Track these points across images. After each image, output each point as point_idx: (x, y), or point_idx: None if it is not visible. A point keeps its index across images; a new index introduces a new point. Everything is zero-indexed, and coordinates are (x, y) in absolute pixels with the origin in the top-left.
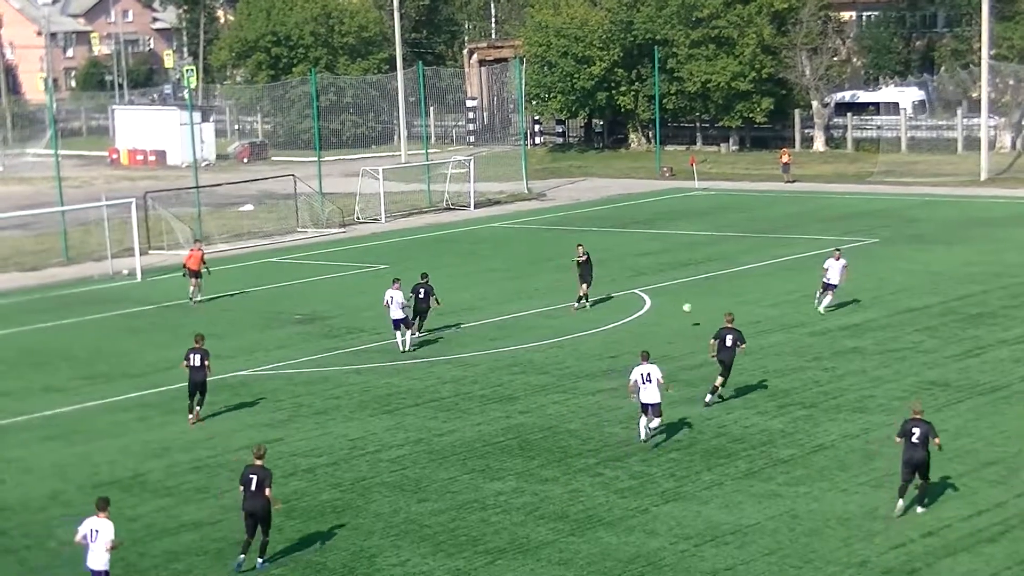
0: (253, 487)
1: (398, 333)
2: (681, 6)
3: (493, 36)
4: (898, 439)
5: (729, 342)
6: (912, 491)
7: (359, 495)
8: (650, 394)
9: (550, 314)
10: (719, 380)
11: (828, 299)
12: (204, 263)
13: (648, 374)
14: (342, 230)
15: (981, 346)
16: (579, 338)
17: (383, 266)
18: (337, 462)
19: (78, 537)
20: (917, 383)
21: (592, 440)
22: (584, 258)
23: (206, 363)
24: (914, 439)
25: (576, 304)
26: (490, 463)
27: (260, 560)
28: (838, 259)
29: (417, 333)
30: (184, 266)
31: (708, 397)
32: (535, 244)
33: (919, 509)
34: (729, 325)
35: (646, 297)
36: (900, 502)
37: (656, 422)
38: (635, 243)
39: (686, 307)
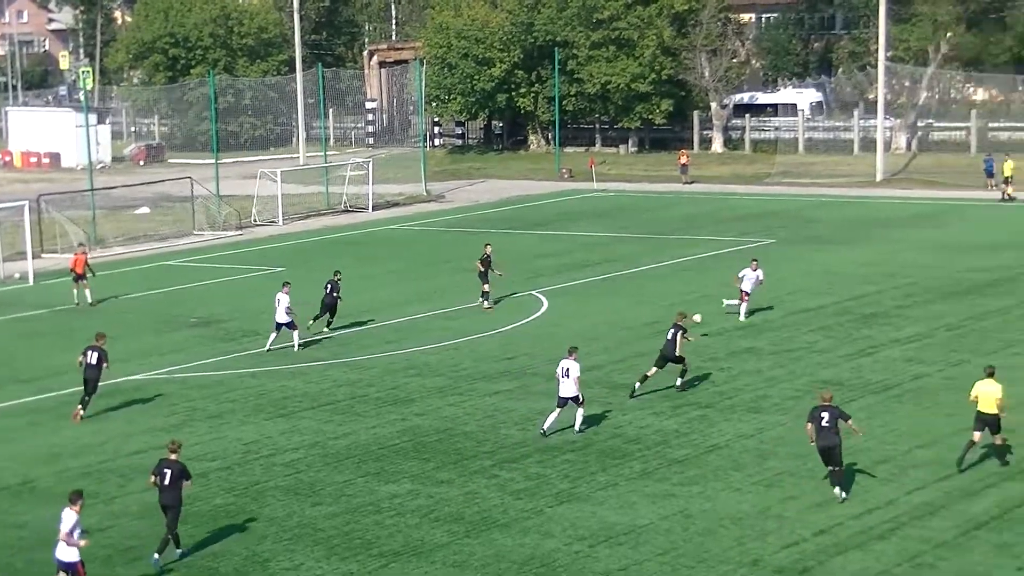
0: (167, 480)
1: (273, 335)
2: (582, 7)
3: (393, 38)
4: (808, 425)
5: (670, 336)
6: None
7: (253, 499)
8: (567, 388)
9: (448, 316)
10: (652, 370)
11: (742, 306)
12: (88, 266)
13: (567, 369)
14: (239, 232)
15: (874, 345)
16: (476, 340)
17: (280, 268)
18: (231, 466)
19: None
20: (811, 383)
21: (488, 442)
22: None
23: (104, 363)
24: (823, 423)
25: (487, 303)
26: (385, 466)
27: (156, 555)
28: (755, 269)
29: (311, 323)
30: (71, 270)
31: (637, 385)
32: (434, 246)
33: (838, 491)
34: (677, 321)
35: (544, 299)
36: (836, 490)
37: (580, 412)
38: (534, 244)
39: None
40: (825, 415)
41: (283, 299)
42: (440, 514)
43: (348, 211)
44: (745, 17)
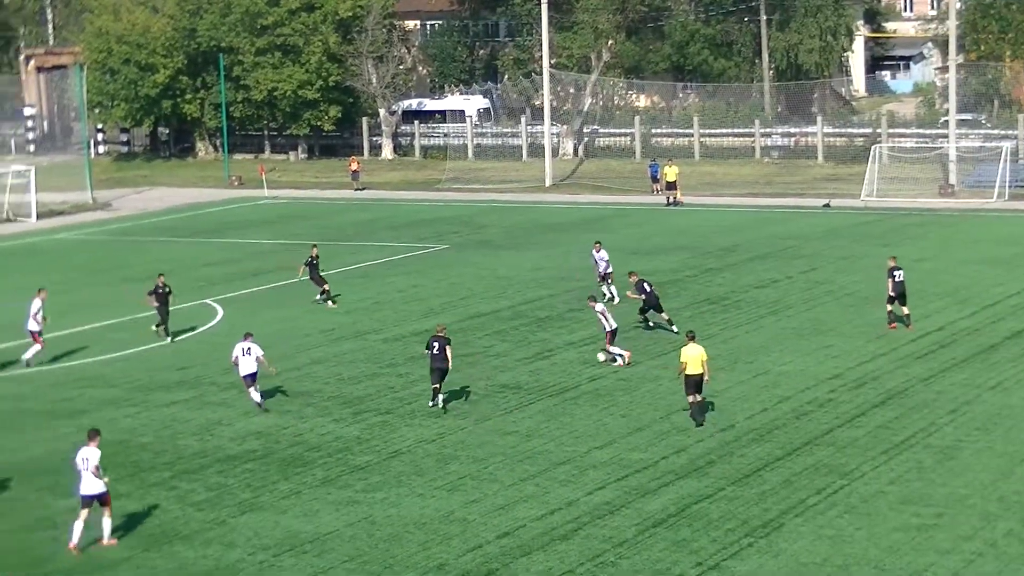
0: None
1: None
2: (245, 13)
3: (51, 42)
4: (425, 351)
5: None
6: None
7: None
8: (247, 366)
9: (119, 327)
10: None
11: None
12: None
13: (248, 348)
14: None
15: (550, 348)
16: (149, 350)
17: None
18: None
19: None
20: (489, 386)
21: (166, 453)
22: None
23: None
24: (435, 351)
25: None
26: (60, 480)
27: None
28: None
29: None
30: None
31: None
32: (102, 255)
33: (441, 401)
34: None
35: (218, 307)
36: (432, 402)
37: (256, 392)
38: (205, 253)
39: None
40: (436, 344)
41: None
42: (119, 527)
43: (10, 220)
44: (410, 24)
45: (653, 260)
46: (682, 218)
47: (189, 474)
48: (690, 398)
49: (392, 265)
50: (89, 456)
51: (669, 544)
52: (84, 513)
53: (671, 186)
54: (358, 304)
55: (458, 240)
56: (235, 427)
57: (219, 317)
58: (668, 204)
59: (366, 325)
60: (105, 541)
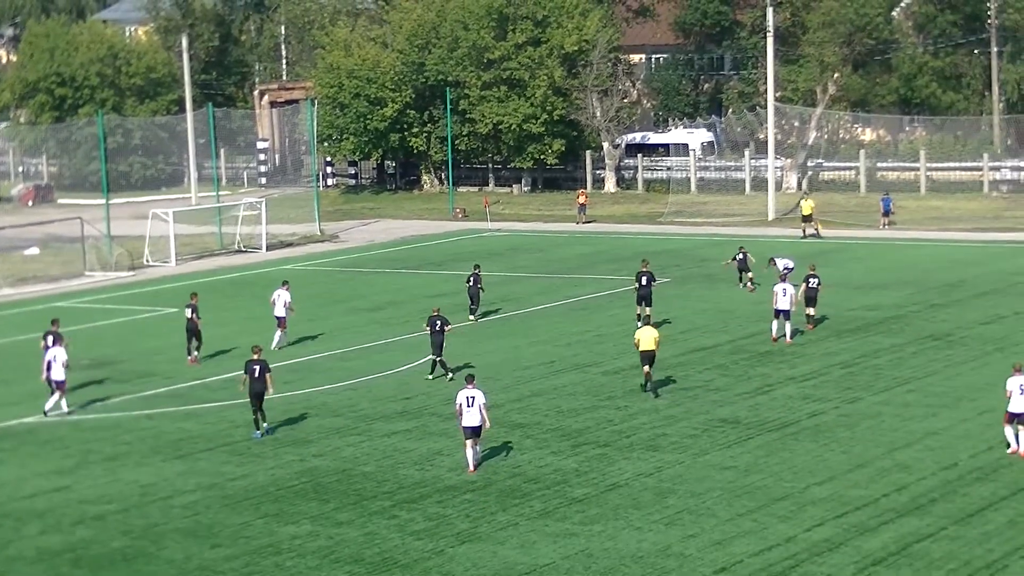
0: (256, 375)
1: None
2: (472, 48)
3: (284, 77)
4: (244, 375)
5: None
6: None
7: (151, 542)
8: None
9: (343, 356)
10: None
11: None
12: None
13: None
14: (131, 273)
15: (770, 383)
16: (373, 380)
17: (173, 309)
18: (128, 508)
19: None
20: (708, 420)
21: (387, 482)
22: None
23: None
24: (256, 375)
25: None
26: (284, 507)
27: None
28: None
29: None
30: None
31: None
32: (329, 286)
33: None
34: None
35: None
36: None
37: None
38: (429, 284)
39: None
40: (257, 368)
41: (283, 295)
42: (340, 555)
43: (242, 251)
44: (635, 58)
45: (876, 295)
46: (906, 253)
47: (409, 503)
48: (646, 369)
49: (614, 298)
50: (475, 395)
51: None
52: (468, 443)
53: (807, 219)
54: (579, 337)
55: (680, 273)
56: (454, 457)
57: None
58: (803, 237)
59: (586, 358)
60: (471, 469)
